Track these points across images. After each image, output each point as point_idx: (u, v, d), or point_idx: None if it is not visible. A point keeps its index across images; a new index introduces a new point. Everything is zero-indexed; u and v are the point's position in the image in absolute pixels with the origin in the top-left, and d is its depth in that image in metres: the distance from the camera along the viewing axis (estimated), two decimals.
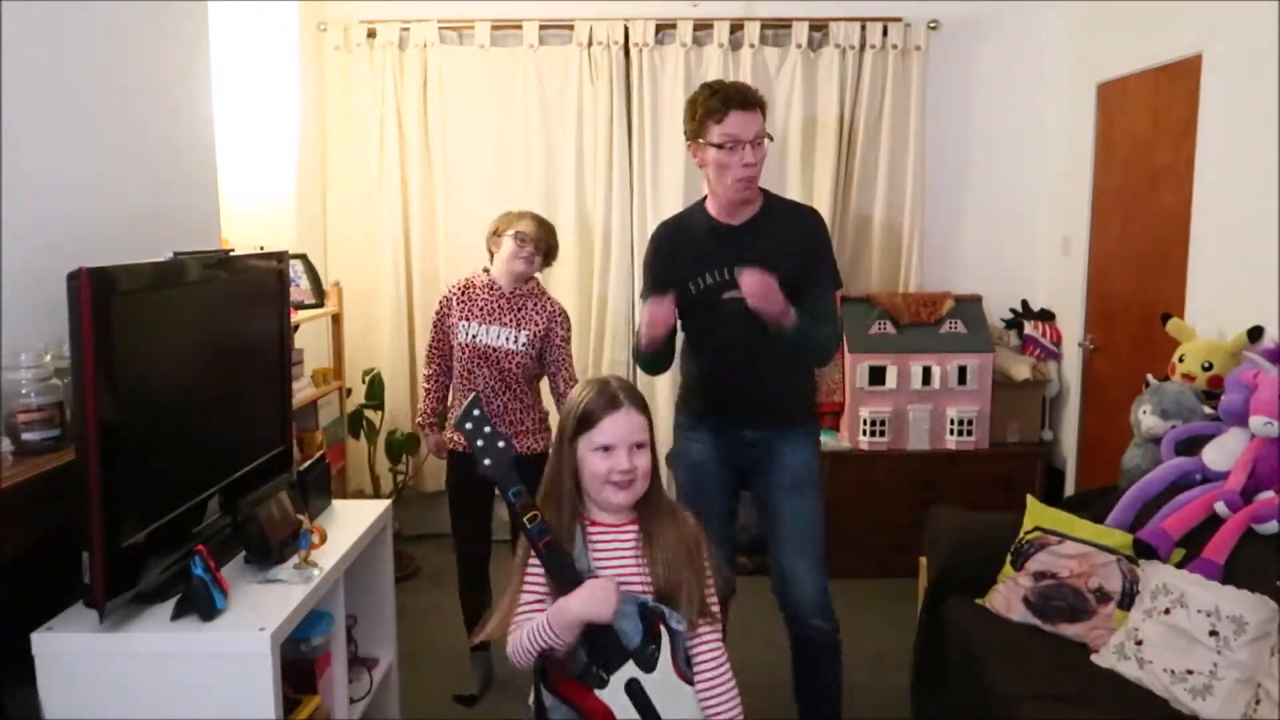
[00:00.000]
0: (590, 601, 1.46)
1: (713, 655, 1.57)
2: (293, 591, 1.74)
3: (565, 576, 1.48)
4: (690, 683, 1.53)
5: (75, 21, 1.88)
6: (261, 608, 1.67)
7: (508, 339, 2.80)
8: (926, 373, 3.76)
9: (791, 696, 2.45)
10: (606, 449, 1.56)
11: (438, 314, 2.93)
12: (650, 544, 1.57)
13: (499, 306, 2.82)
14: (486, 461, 1.56)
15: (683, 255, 2.32)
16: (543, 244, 2.83)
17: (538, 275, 2.95)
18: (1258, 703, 1.85)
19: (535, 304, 2.85)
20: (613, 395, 1.58)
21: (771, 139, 2.25)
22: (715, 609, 1.60)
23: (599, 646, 1.50)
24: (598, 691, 1.49)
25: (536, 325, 2.82)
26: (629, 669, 1.50)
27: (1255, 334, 2.59)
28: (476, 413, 1.57)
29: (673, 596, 1.54)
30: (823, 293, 2.30)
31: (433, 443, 3.02)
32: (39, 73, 1.78)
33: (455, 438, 2.89)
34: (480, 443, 1.56)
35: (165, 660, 1.57)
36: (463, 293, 2.87)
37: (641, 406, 1.61)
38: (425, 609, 3.49)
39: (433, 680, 2.97)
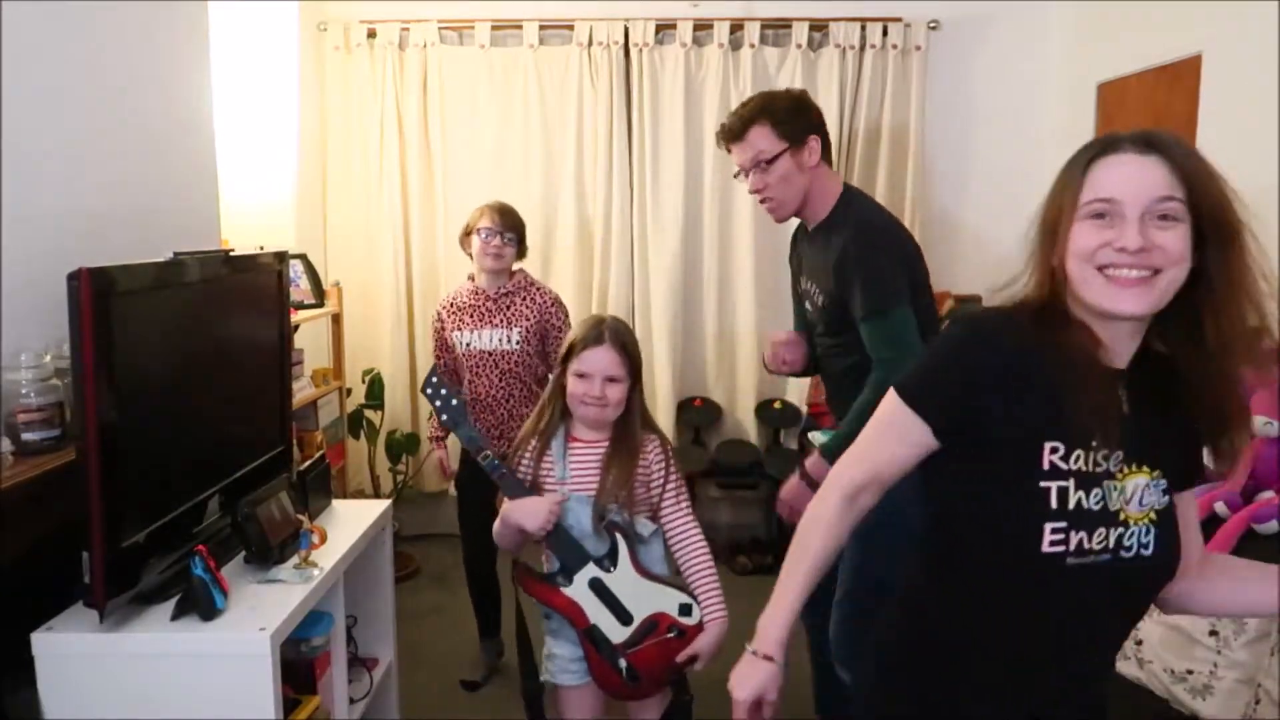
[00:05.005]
0: (523, 512, 1.84)
1: (683, 538, 1.92)
2: (293, 591, 1.74)
3: (516, 494, 1.87)
4: (649, 578, 1.88)
5: (75, 22, 1.88)
6: (261, 608, 1.67)
7: (501, 340, 2.80)
8: None
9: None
10: (583, 376, 1.87)
11: (435, 331, 2.94)
12: (609, 462, 1.89)
13: (486, 309, 2.82)
14: (444, 417, 1.96)
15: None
16: (510, 233, 2.79)
17: (524, 268, 2.94)
18: (1257, 702, 1.85)
19: (524, 298, 2.84)
20: (599, 332, 1.89)
21: (774, 159, 2.10)
22: (677, 508, 1.94)
23: (562, 553, 1.87)
24: (566, 589, 1.86)
25: (528, 320, 2.81)
26: (595, 571, 1.86)
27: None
28: (435, 379, 1.97)
29: (626, 504, 1.88)
30: (866, 327, 2.01)
31: (437, 459, 3.01)
32: (39, 73, 1.78)
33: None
34: (438, 402, 1.95)
35: (165, 660, 1.57)
36: (450, 305, 2.88)
37: (623, 347, 1.90)
38: (425, 609, 3.49)
39: (433, 680, 2.97)
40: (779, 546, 3.69)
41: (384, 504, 2.29)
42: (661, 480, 1.92)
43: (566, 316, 2.89)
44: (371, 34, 3.94)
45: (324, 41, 3.98)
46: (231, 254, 2.04)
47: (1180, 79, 3.10)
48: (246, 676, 1.57)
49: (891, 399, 1.20)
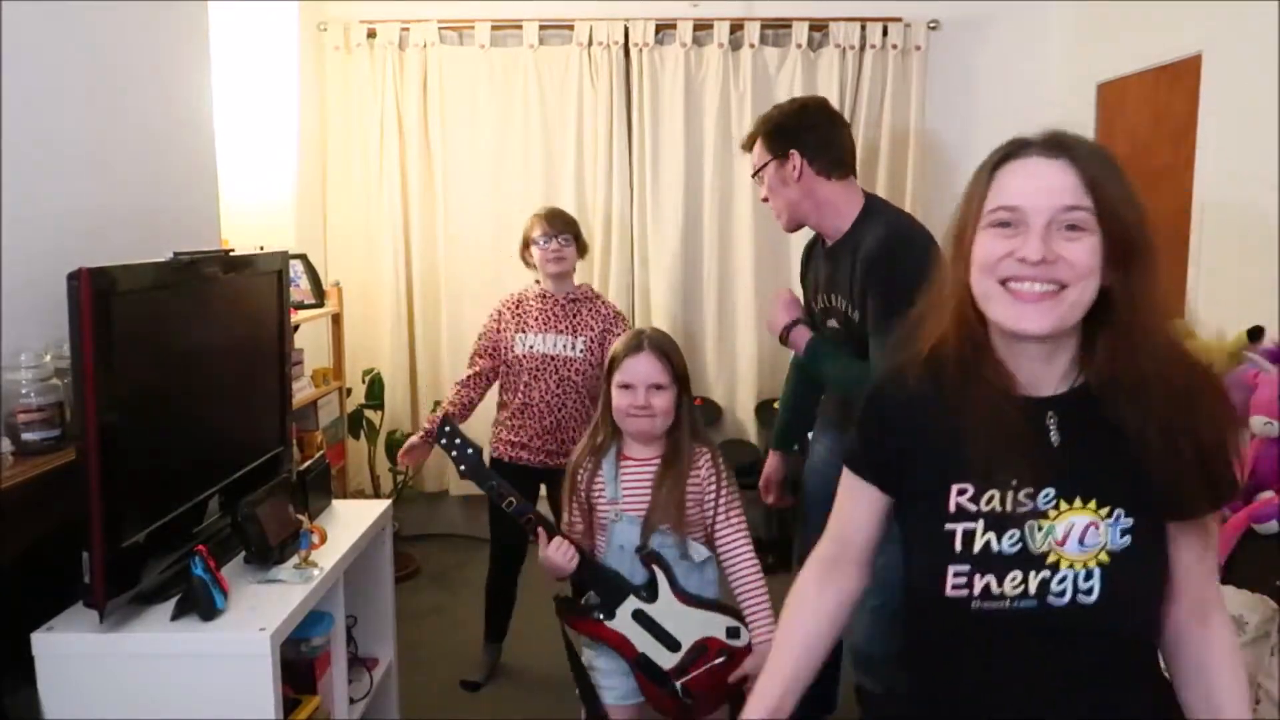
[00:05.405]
0: (551, 565, 1.83)
1: (733, 556, 1.86)
2: (293, 591, 1.75)
3: (548, 533, 1.85)
4: (693, 604, 1.84)
5: (75, 21, 1.88)
6: (261, 608, 1.67)
7: (565, 346, 2.80)
8: None
9: None
10: (627, 386, 1.86)
11: (487, 330, 2.89)
12: (659, 481, 1.86)
13: (553, 314, 2.82)
14: (462, 468, 1.91)
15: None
16: (565, 233, 2.81)
17: (589, 283, 2.96)
18: (1257, 703, 1.85)
19: (590, 309, 2.85)
20: (638, 341, 1.89)
21: (760, 170, 2.13)
22: (729, 523, 1.88)
23: (601, 590, 1.85)
24: (610, 623, 1.84)
25: (593, 330, 2.82)
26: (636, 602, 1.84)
27: (1255, 334, 2.58)
28: (449, 429, 1.91)
29: (676, 525, 1.84)
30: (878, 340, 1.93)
31: (408, 444, 2.83)
32: (39, 73, 1.78)
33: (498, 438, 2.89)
34: (454, 454, 1.90)
35: (165, 660, 1.57)
36: (516, 306, 2.86)
37: (663, 353, 1.88)
38: (425, 609, 3.49)
39: (433, 680, 2.97)
40: (779, 546, 3.69)
41: (384, 504, 2.30)
42: (714, 495, 1.88)
43: (626, 329, 2.87)
44: (371, 34, 3.94)
45: (324, 41, 3.98)
46: (231, 254, 2.05)
47: (1180, 79, 3.10)
48: (246, 676, 1.57)
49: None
